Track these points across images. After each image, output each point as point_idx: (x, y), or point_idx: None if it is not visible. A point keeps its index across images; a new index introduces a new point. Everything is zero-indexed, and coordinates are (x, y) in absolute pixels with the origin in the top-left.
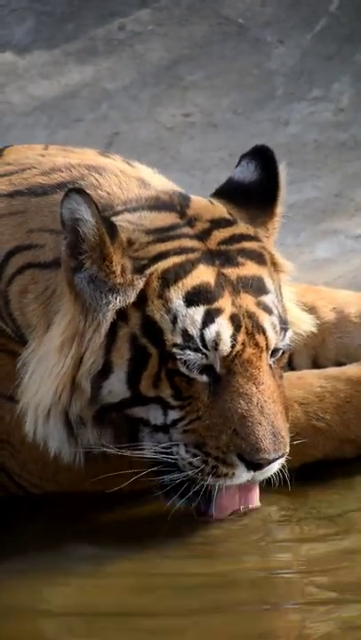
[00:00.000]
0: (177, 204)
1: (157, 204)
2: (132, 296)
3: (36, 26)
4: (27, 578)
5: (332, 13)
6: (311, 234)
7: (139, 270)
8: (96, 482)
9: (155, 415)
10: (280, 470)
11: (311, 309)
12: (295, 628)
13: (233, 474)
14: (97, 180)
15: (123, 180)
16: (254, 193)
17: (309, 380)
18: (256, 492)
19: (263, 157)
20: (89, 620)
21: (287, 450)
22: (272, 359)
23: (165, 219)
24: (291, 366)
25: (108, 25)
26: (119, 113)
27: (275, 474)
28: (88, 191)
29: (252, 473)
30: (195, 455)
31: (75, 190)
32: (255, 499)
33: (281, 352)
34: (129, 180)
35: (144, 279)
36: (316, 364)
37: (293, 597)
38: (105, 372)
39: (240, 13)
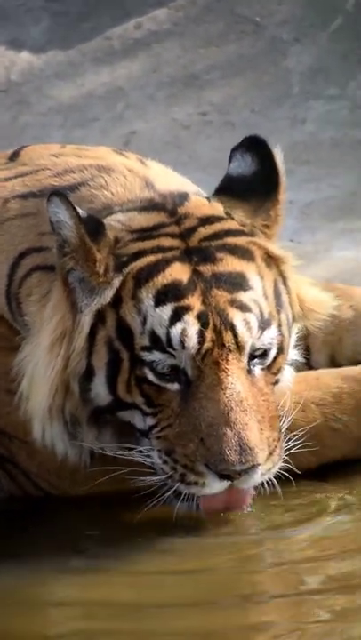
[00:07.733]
0: (169, 204)
1: (149, 206)
2: (109, 296)
3: (51, 25)
4: (40, 574)
5: (348, 12)
6: (328, 232)
7: (118, 268)
8: (113, 481)
9: (138, 419)
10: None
11: None
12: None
13: (203, 482)
14: (105, 180)
15: (129, 180)
16: (255, 184)
17: (326, 381)
18: (244, 497)
19: (257, 147)
20: (95, 609)
21: (259, 462)
22: (255, 362)
23: (153, 219)
24: (309, 365)
25: (124, 24)
26: (135, 112)
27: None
28: (96, 192)
29: (225, 482)
30: (165, 462)
31: (54, 194)
32: (244, 504)
33: (266, 354)
34: (135, 180)
35: (121, 278)
36: (333, 362)
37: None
38: (89, 374)
39: (256, 12)
